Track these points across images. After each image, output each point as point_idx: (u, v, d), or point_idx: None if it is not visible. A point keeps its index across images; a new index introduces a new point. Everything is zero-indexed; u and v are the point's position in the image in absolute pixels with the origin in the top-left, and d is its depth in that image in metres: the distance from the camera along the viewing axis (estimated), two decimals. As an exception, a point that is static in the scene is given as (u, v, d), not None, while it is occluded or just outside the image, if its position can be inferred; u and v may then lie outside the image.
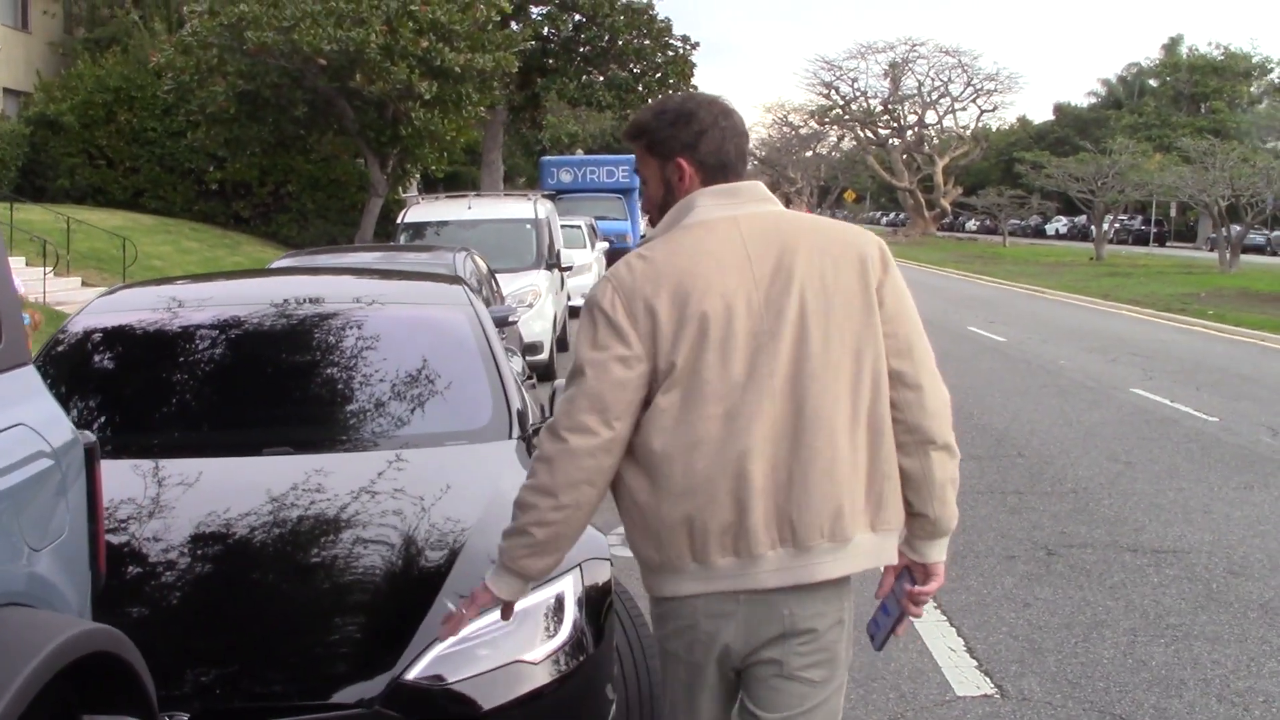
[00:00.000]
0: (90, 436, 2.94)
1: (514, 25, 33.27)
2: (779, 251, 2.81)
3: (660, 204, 2.96)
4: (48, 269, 20.50)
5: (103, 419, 4.96)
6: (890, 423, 2.86)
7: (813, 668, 2.85)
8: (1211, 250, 51.18)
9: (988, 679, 5.53)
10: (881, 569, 3.02)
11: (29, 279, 19.10)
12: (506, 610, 3.03)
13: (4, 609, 2.35)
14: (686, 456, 2.74)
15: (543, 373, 13.03)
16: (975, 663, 5.72)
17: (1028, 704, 5.24)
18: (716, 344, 2.74)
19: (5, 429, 2.57)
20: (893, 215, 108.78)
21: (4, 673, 2.17)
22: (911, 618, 3.09)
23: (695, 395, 2.74)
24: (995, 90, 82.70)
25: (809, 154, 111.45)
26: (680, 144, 2.89)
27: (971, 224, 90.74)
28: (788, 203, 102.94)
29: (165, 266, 24.00)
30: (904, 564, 3.01)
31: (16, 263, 20.55)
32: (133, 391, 5.22)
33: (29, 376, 2.81)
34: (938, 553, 3.00)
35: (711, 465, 2.73)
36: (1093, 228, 55.15)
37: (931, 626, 6.17)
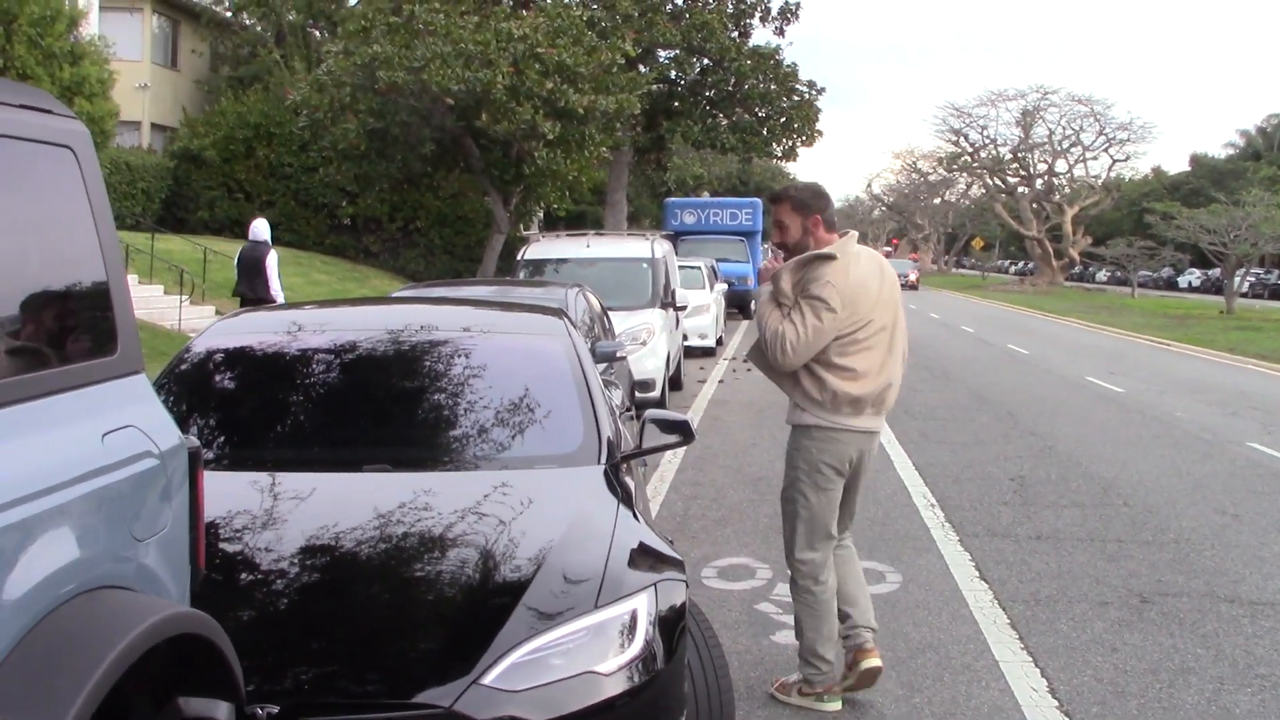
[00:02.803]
0: (194, 441, 3.19)
1: (641, 68, 33.72)
2: (881, 273, 5.55)
3: (796, 244, 5.50)
4: (184, 297, 21.30)
5: (220, 434, 5.26)
6: None
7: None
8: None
9: (1067, 719, 5.57)
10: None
11: (165, 306, 19.85)
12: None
13: (106, 590, 2.60)
14: (865, 369, 5.45)
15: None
16: (1056, 703, 5.76)
17: (1104, 745, 5.28)
18: (869, 319, 5.43)
19: (117, 429, 2.83)
20: (1020, 264, 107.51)
21: (99, 647, 2.41)
22: None
23: (863, 341, 5.42)
24: (1128, 139, 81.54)
25: (937, 201, 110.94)
26: (817, 208, 5.53)
27: (1102, 274, 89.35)
28: (915, 249, 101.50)
29: (294, 297, 24.66)
30: None
31: (155, 290, 21.37)
32: (249, 409, 5.53)
33: (141, 384, 3.08)
34: None
35: (870, 375, 5.45)
36: (1225, 280, 53.98)
37: (1016, 667, 6.23)
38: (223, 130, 35.37)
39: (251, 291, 16.21)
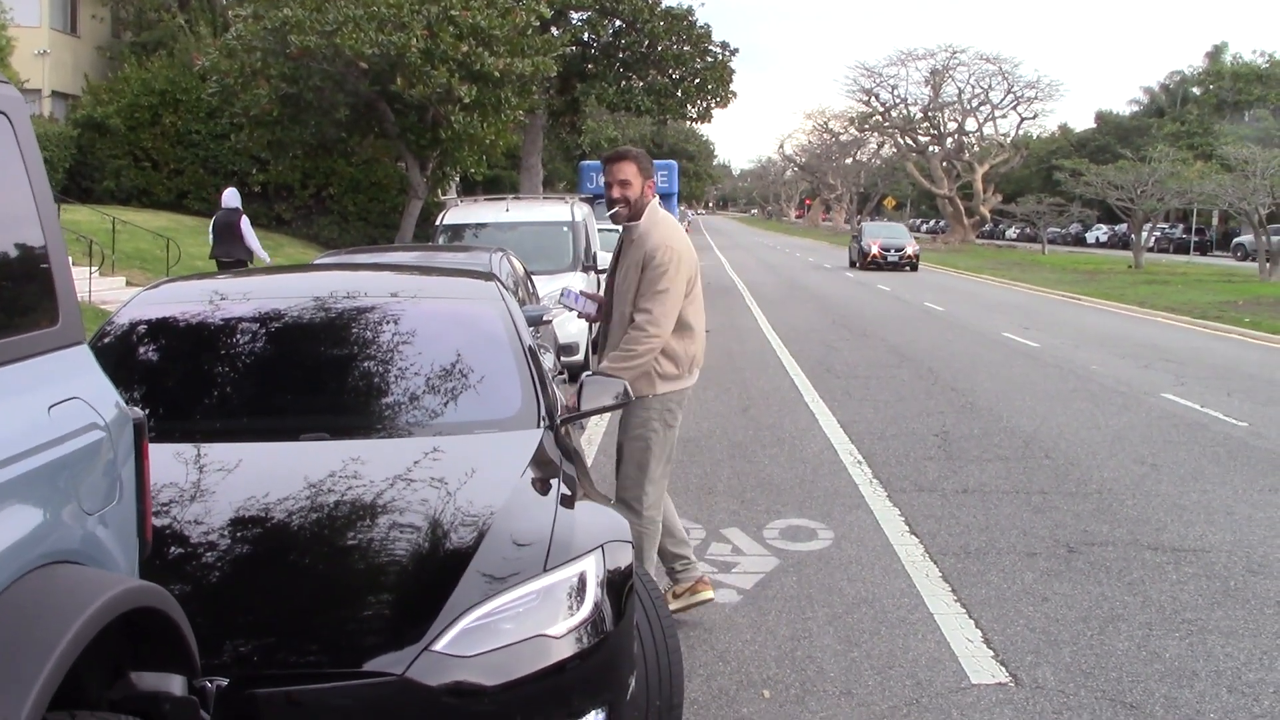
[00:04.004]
0: (139, 413, 3.13)
1: (554, 30, 33.46)
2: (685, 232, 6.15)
3: (637, 201, 6.01)
4: (93, 268, 20.86)
5: (147, 406, 5.15)
6: None
7: None
8: (1251, 259, 50.79)
9: (1003, 668, 5.66)
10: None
11: (74, 278, 19.46)
12: None
13: (58, 566, 2.54)
14: (698, 326, 6.09)
15: (577, 373, 13.18)
16: (991, 653, 5.86)
17: (1041, 692, 5.37)
18: (694, 275, 6.06)
19: (62, 401, 2.76)
20: (932, 222, 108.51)
21: (57, 624, 2.35)
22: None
23: (695, 298, 6.04)
24: (1036, 98, 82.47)
25: (849, 161, 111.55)
26: (652, 174, 6.18)
27: (1011, 232, 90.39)
28: (827, 209, 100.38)
29: (207, 266, 24.29)
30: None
31: (63, 262, 20.89)
32: (176, 380, 5.42)
33: (84, 355, 3.01)
34: None
35: (700, 331, 6.11)
36: (1132, 236, 54.90)
37: (950, 619, 6.32)
38: (127, 98, 34.59)
39: (227, 255, 17.86)
